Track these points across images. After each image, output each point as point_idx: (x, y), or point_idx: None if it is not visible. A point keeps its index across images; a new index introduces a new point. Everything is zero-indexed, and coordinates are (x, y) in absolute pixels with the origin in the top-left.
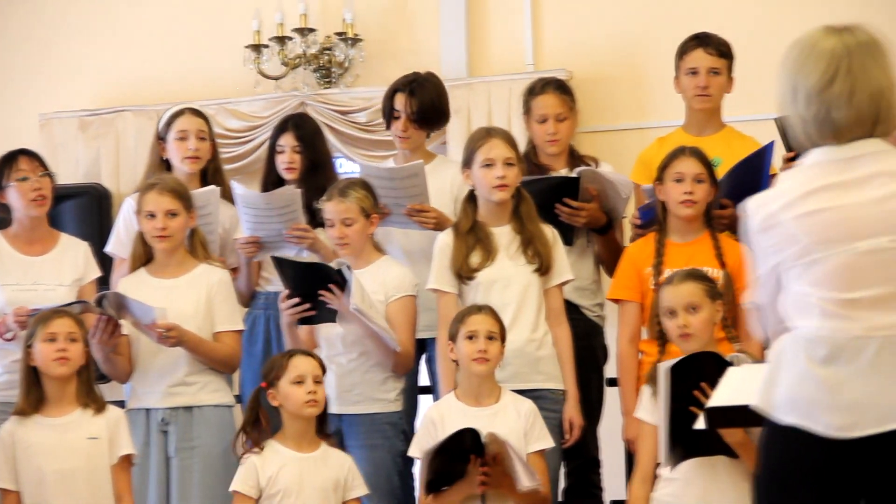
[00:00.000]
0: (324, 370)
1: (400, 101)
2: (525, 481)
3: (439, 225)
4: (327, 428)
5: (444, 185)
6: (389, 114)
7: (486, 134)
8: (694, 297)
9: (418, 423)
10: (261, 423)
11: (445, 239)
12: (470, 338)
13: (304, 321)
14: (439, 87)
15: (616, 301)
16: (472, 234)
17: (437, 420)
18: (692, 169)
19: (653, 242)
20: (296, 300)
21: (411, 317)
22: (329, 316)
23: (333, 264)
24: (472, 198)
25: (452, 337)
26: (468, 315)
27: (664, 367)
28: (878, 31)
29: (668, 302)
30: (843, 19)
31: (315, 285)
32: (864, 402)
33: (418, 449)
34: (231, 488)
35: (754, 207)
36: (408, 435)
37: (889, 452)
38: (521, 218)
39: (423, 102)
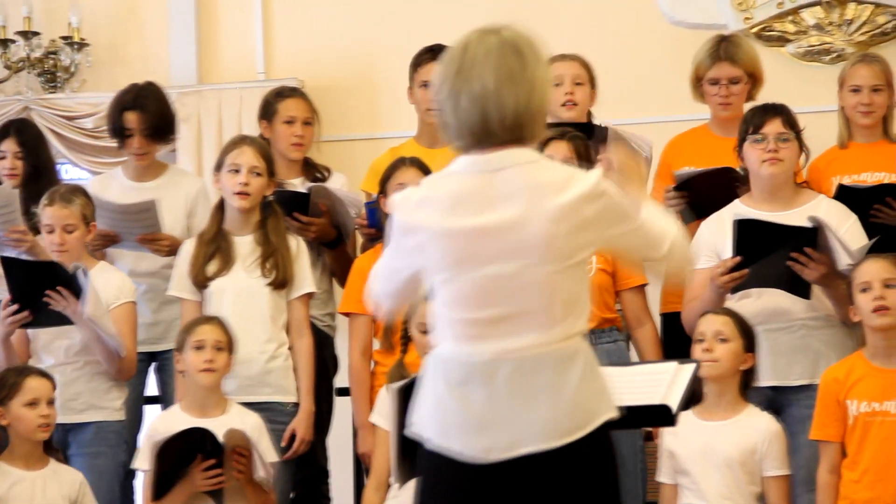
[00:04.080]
0: (54, 387)
1: (131, 120)
2: (261, 472)
3: (173, 251)
4: (53, 443)
5: (178, 200)
6: (121, 133)
7: (239, 141)
8: None
9: (143, 434)
10: None
11: (187, 246)
12: (198, 348)
13: (25, 325)
14: (162, 96)
15: (347, 314)
16: (214, 242)
17: (161, 432)
18: (414, 179)
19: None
20: (16, 307)
21: (132, 323)
22: (51, 320)
23: (70, 267)
24: (221, 205)
25: (180, 347)
26: (196, 325)
27: (393, 388)
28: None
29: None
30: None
31: (42, 287)
32: (496, 426)
33: (144, 461)
34: None
35: (398, 204)
36: (130, 445)
37: (519, 478)
38: (266, 229)
39: (154, 116)
